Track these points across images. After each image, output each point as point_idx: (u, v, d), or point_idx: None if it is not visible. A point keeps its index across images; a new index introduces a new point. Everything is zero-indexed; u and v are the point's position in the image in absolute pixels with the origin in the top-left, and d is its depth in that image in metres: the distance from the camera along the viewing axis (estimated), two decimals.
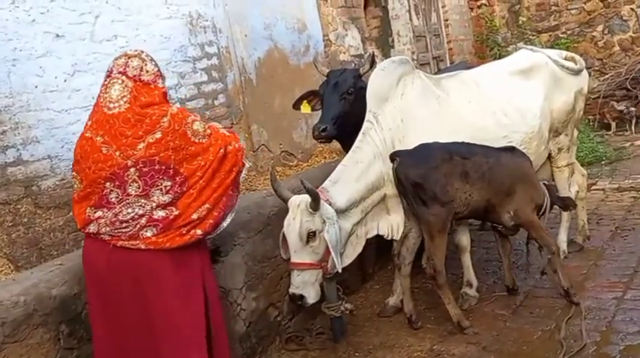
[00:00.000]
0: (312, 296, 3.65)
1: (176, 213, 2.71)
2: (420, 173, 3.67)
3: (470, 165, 3.75)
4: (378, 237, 4.08)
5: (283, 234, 3.74)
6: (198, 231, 2.78)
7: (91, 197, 2.69)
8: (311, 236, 3.60)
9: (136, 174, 2.65)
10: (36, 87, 3.89)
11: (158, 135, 2.66)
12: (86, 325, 2.95)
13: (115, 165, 2.63)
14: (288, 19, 6.09)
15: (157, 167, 2.66)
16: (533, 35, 10.43)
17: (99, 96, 2.76)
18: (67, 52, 4.07)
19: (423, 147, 3.80)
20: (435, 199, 3.66)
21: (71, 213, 3.75)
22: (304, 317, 4.20)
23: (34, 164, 3.83)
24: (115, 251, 2.70)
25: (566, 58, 4.70)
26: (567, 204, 4.19)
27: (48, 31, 3.99)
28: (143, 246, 2.69)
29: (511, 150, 3.99)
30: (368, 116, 4.04)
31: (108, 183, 2.65)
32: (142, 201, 2.67)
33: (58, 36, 4.05)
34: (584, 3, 10.26)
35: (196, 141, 2.76)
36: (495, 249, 5.10)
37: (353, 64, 6.91)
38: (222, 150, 2.86)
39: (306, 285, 3.62)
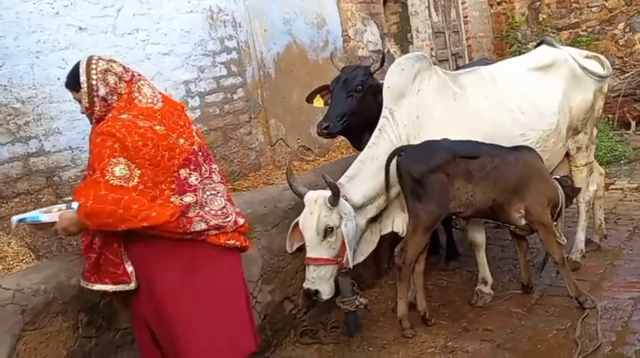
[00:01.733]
0: (326, 291, 3.68)
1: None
2: (421, 170, 3.68)
3: (474, 165, 3.73)
4: (393, 232, 4.09)
5: (292, 227, 3.77)
6: None
7: (162, 186, 2.63)
8: (328, 231, 3.63)
9: (202, 158, 2.78)
10: (58, 79, 3.92)
11: (195, 125, 2.90)
12: (105, 314, 3.01)
13: (185, 152, 2.69)
14: (308, 15, 6.10)
15: (207, 152, 2.88)
16: (554, 32, 10.32)
17: (127, 91, 2.70)
18: (90, 45, 4.12)
19: (428, 144, 3.80)
20: (431, 197, 3.67)
21: None
22: (319, 311, 4.23)
23: (55, 155, 3.89)
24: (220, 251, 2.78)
25: (587, 57, 4.66)
26: (575, 191, 4.14)
27: (71, 23, 4.05)
28: (240, 243, 2.86)
29: (519, 148, 3.96)
30: (384, 112, 4.04)
31: (182, 170, 2.68)
32: (210, 183, 2.78)
33: (80, 29, 4.11)
34: (606, 0, 10.14)
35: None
36: (511, 247, 5.11)
37: (371, 60, 6.92)
38: None
39: (321, 281, 3.65)
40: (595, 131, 4.73)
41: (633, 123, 8.77)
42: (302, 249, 3.79)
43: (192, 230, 2.67)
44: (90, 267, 2.70)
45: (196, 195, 2.70)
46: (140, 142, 2.58)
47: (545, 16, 10.62)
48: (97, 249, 2.67)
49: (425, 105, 4.05)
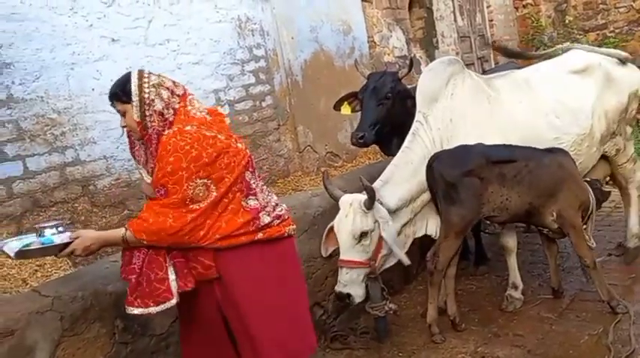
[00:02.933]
0: (358, 294, 3.71)
1: None
2: (455, 174, 3.68)
3: (508, 169, 3.72)
4: (422, 237, 4.11)
5: (328, 231, 3.81)
6: None
7: (236, 192, 2.64)
8: (363, 235, 3.66)
9: (252, 161, 2.79)
10: (93, 89, 4.04)
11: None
12: (140, 321, 3.04)
13: (245, 155, 2.70)
14: (334, 22, 6.15)
15: None
16: (580, 34, 10.24)
17: (182, 105, 2.67)
18: (122, 56, 4.22)
19: (462, 149, 3.80)
20: (464, 202, 3.67)
21: (126, 211, 3.94)
22: (349, 316, 4.24)
23: (90, 164, 3.99)
24: (283, 242, 2.77)
25: (620, 59, 4.62)
26: (604, 195, 4.09)
27: (104, 35, 4.16)
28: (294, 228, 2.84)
29: (552, 150, 3.95)
30: (418, 116, 4.06)
31: (247, 172, 2.70)
32: (261, 181, 2.81)
33: (113, 40, 4.21)
34: (633, 1, 10.04)
35: None
36: (541, 252, 5.08)
37: (397, 66, 6.94)
38: None
39: (353, 284, 3.68)
40: (629, 129, 4.66)
41: None
42: (336, 253, 3.82)
43: (262, 224, 2.66)
44: (132, 290, 2.63)
45: (257, 198, 2.70)
46: (215, 154, 2.55)
47: (571, 18, 10.54)
48: (136, 270, 2.62)
49: (458, 108, 4.05)
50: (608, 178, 4.78)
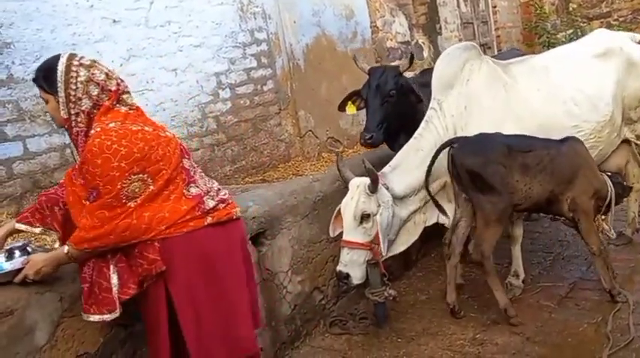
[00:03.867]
0: (357, 276, 3.73)
1: None
2: (477, 162, 3.66)
3: (530, 158, 3.71)
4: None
5: (336, 213, 3.82)
6: None
7: (176, 181, 2.56)
8: (365, 217, 3.68)
9: (185, 148, 2.72)
10: None
11: None
12: (139, 304, 3.05)
13: (178, 143, 2.64)
14: (336, 6, 6.10)
15: None
16: (584, 22, 10.18)
17: (110, 102, 2.53)
18: (123, 37, 4.19)
19: (484, 137, 3.77)
20: (492, 188, 3.65)
21: None
22: (348, 301, 4.26)
23: None
24: (232, 224, 2.70)
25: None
26: (625, 190, 4.05)
27: (105, 16, 4.12)
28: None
29: (566, 138, 3.92)
30: (432, 103, 4.03)
31: (184, 160, 2.63)
32: (198, 170, 2.75)
33: (114, 21, 4.18)
34: None
35: None
36: (540, 240, 5.10)
37: (400, 51, 6.90)
38: None
39: (353, 265, 3.71)
40: None
41: None
42: (340, 235, 3.85)
43: (208, 207, 2.58)
44: (86, 298, 2.57)
45: (198, 185, 2.63)
46: (147, 147, 2.46)
47: (575, 6, 10.49)
48: (87, 278, 2.56)
49: (474, 95, 4.01)
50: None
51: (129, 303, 2.86)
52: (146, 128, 2.53)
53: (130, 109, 2.57)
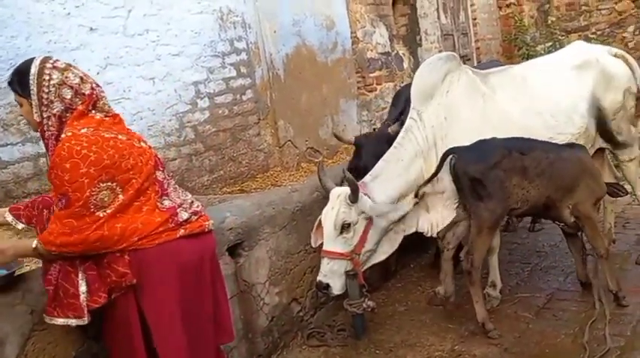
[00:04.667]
0: (337, 287, 3.71)
1: None
2: (479, 169, 3.67)
3: (529, 162, 3.72)
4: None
5: (318, 223, 3.81)
6: None
7: (148, 192, 2.51)
8: (345, 227, 3.67)
9: (160, 160, 2.69)
10: None
11: None
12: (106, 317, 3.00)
13: (151, 154, 2.59)
14: (317, 16, 6.10)
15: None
16: (563, 35, 10.30)
17: (83, 107, 2.47)
18: (100, 46, 4.16)
19: (483, 143, 3.79)
20: (492, 195, 3.66)
21: None
22: (326, 313, 4.23)
23: None
24: (204, 237, 2.67)
25: (615, 56, 4.63)
26: (617, 189, 4.06)
27: (82, 24, 4.08)
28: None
29: (571, 145, 3.95)
30: (411, 113, 4.03)
31: (158, 172, 2.59)
32: (171, 181, 2.71)
33: (91, 29, 4.14)
34: (615, 3, 10.13)
35: None
36: (518, 251, 5.12)
37: (380, 62, 6.90)
38: None
39: (333, 275, 3.69)
40: (633, 129, 4.62)
41: None
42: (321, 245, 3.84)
43: (181, 219, 2.55)
44: (50, 301, 2.50)
45: (171, 198, 2.59)
46: (117, 155, 2.41)
47: (554, 19, 10.61)
48: (52, 281, 2.49)
49: (453, 106, 4.03)
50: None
51: (100, 317, 2.83)
52: (120, 136, 2.48)
53: (106, 116, 2.52)
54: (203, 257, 2.65)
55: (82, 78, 2.49)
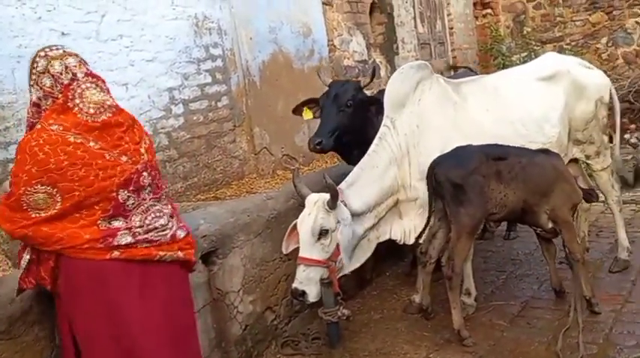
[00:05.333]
0: (313, 294, 3.67)
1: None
2: (460, 174, 3.70)
3: (503, 166, 3.76)
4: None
5: (291, 229, 3.78)
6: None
7: (95, 208, 2.41)
8: (323, 233, 3.64)
9: (148, 178, 2.53)
10: None
11: (147, 141, 2.61)
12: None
13: (126, 171, 2.45)
14: (294, 23, 6.10)
15: (157, 171, 2.62)
16: (538, 46, 10.43)
17: (63, 99, 2.41)
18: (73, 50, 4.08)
19: (461, 150, 3.82)
20: (471, 200, 3.68)
21: None
22: (301, 321, 4.20)
23: None
24: (156, 265, 2.55)
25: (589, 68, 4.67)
26: (590, 194, 4.09)
27: (54, 28, 4.02)
28: (182, 255, 2.61)
29: (545, 151, 3.99)
30: (385, 121, 4.06)
31: (122, 191, 2.44)
32: (157, 204, 2.56)
33: (63, 34, 4.08)
34: (589, 15, 10.28)
35: None
36: (493, 259, 5.14)
37: (357, 70, 6.93)
38: None
39: (309, 282, 3.65)
40: (605, 138, 4.67)
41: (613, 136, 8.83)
42: (295, 252, 3.79)
43: (117, 243, 2.43)
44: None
45: (127, 220, 2.46)
46: (66, 162, 2.32)
47: (529, 30, 10.75)
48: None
49: (425, 114, 4.06)
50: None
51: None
52: (91, 143, 2.38)
53: (94, 121, 2.40)
54: (147, 287, 2.53)
55: (67, 67, 2.43)
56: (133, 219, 2.48)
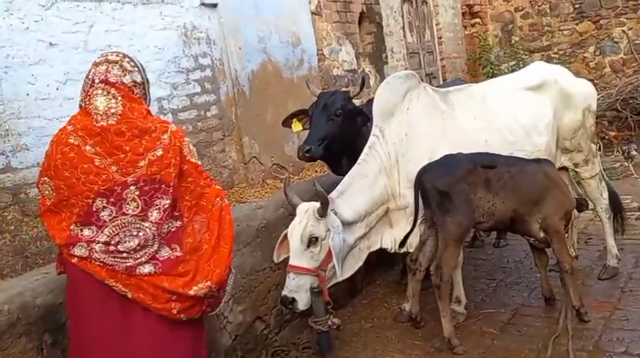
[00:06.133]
0: (303, 302, 3.67)
1: (179, 254, 2.57)
2: (446, 182, 3.71)
3: (492, 174, 3.77)
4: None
5: (282, 238, 3.78)
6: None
7: (73, 210, 2.48)
8: (313, 241, 3.65)
9: (136, 192, 2.48)
10: (28, 94, 3.88)
11: (159, 152, 2.53)
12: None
13: (110, 181, 2.46)
14: (283, 33, 6.11)
15: (157, 186, 2.51)
16: (526, 55, 10.50)
17: (85, 103, 2.57)
18: (60, 61, 4.07)
19: (449, 158, 3.84)
20: (458, 209, 3.69)
21: None
22: (291, 331, 4.19)
23: (22, 171, 3.80)
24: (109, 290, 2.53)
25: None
26: (580, 203, 4.11)
27: (41, 39, 3.99)
28: (130, 295, 2.52)
29: (538, 160, 4.00)
30: (374, 130, 4.08)
31: (99, 199, 2.45)
32: (140, 223, 2.49)
33: (51, 44, 4.05)
34: (577, 24, 10.36)
35: (191, 159, 2.65)
36: (483, 267, 5.15)
37: (346, 79, 6.95)
38: (219, 199, 2.74)
39: (299, 290, 3.65)
40: (593, 146, 4.70)
41: (601, 145, 8.87)
42: (285, 261, 3.80)
43: (73, 252, 2.49)
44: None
45: (99, 231, 2.47)
46: (59, 161, 2.47)
47: (517, 39, 10.83)
48: None
49: (413, 123, 4.08)
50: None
51: (62, 334, 2.88)
52: (86, 147, 2.46)
53: (95, 126, 2.48)
54: (105, 304, 2.54)
55: (95, 73, 2.58)
56: (103, 231, 2.48)
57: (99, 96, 2.54)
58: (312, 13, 6.56)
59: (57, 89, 4.05)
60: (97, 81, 2.56)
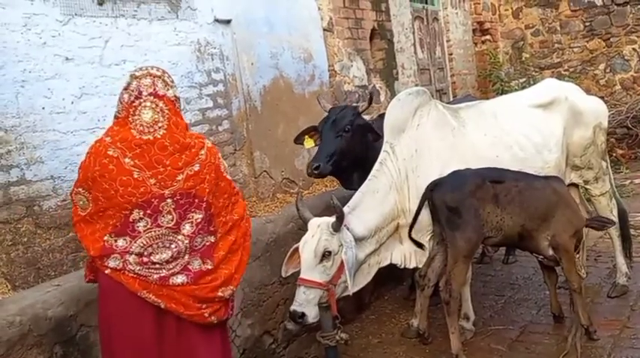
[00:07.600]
0: (312, 315, 3.66)
1: (210, 267, 2.63)
2: (455, 197, 3.73)
3: (500, 189, 3.79)
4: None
5: (291, 252, 3.78)
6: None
7: (109, 221, 2.51)
8: (326, 255, 3.65)
9: (172, 205, 2.52)
10: (43, 108, 3.95)
11: (197, 167, 2.57)
12: (80, 347, 2.95)
13: (148, 193, 2.49)
14: (295, 49, 6.17)
15: (191, 200, 2.56)
16: (536, 72, 10.53)
17: (124, 114, 2.55)
18: (76, 75, 4.14)
19: (458, 174, 3.86)
20: (467, 224, 3.71)
21: (71, 234, 3.81)
22: (299, 345, 4.19)
23: (36, 184, 3.86)
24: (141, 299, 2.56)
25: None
26: (603, 222, 4.06)
27: (58, 54, 4.06)
28: (163, 305, 2.54)
29: (547, 177, 4.00)
30: (385, 146, 4.11)
31: (137, 211, 2.49)
32: (173, 235, 2.54)
33: (67, 59, 4.12)
34: (587, 42, 10.38)
35: (226, 176, 2.74)
36: (492, 283, 5.14)
37: (357, 95, 6.99)
38: (247, 214, 2.84)
39: (309, 304, 3.64)
40: (604, 163, 4.70)
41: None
42: (294, 276, 3.79)
43: (107, 264, 2.51)
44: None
45: (132, 242, 2.50)
46: (98, 173, 2.48)
47: (528, 56, 10.85)
48: None
49: (423, 139, 4.10)
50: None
51: (73, 345, 2.93)
52: (125, 159, 2.47)
53: (138, 139, 2.49)
54: (134, 312, 2.57)
55: (140, 86, 2.55)
56: (137, 241, 2.51)
57: (147, 108, 2.54)
58: (324, 30, 6.63)
59: (72, 103, 4.12)
60: (145, 93, 2.55)
